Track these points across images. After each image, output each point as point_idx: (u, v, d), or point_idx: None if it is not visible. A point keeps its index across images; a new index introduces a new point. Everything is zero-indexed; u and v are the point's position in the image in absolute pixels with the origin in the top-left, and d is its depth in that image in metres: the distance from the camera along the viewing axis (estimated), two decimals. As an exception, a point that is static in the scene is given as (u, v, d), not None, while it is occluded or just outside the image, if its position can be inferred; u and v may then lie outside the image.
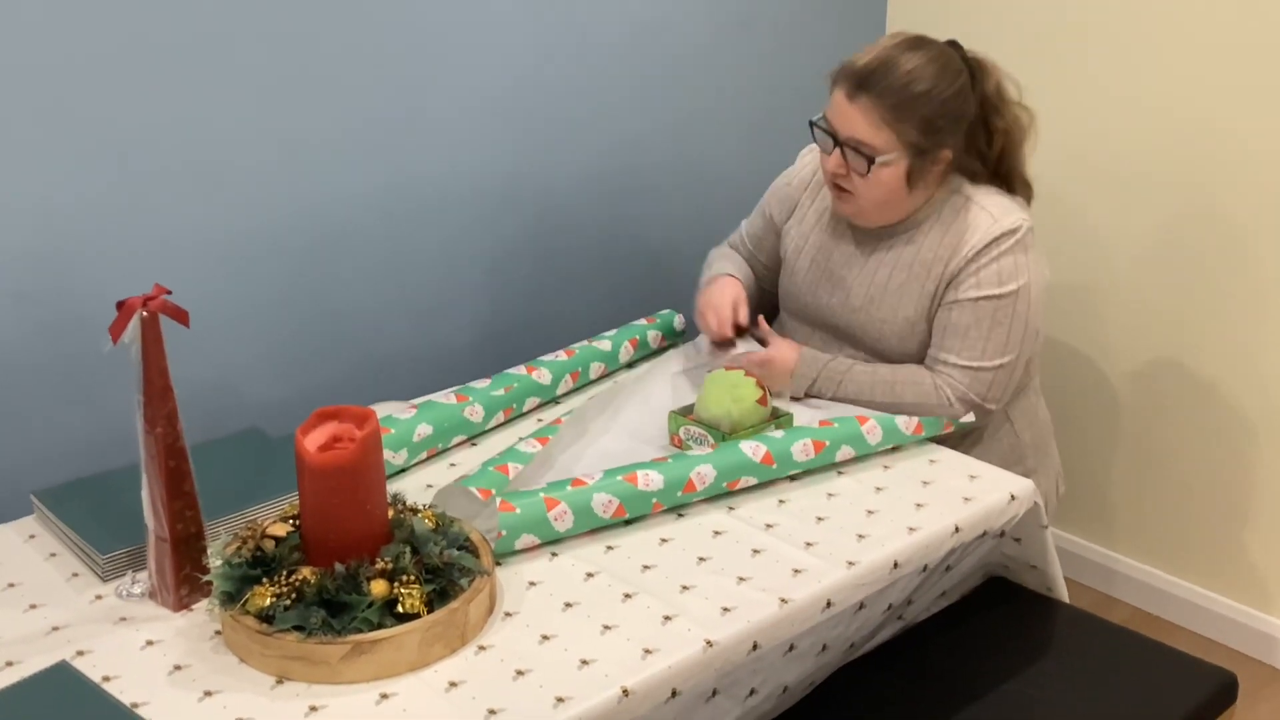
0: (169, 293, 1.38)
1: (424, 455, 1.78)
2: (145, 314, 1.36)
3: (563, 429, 1.78)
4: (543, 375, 1.94)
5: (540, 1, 2.26)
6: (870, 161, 1.84)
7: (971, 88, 1.88)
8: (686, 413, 1.82)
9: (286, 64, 1.98)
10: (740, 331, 2.01)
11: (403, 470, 1.76)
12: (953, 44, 1.91)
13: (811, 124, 1.91)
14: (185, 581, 1.43)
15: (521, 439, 1.75)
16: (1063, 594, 1.86)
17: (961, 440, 1.93)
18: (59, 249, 1.84)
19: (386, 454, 1.62)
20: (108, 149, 1.85)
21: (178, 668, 1.33)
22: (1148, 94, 2.44)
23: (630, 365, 2.10)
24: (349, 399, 2.06)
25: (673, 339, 2.18)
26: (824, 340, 2.04)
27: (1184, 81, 2.38)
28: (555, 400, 1.98)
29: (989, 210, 1.91)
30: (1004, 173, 1.97)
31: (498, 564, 1.51)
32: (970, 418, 1.87)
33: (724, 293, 2.04)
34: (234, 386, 2.09)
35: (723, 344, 2.00)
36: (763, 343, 1.98)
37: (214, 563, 1.39)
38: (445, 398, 1.84)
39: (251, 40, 1.94)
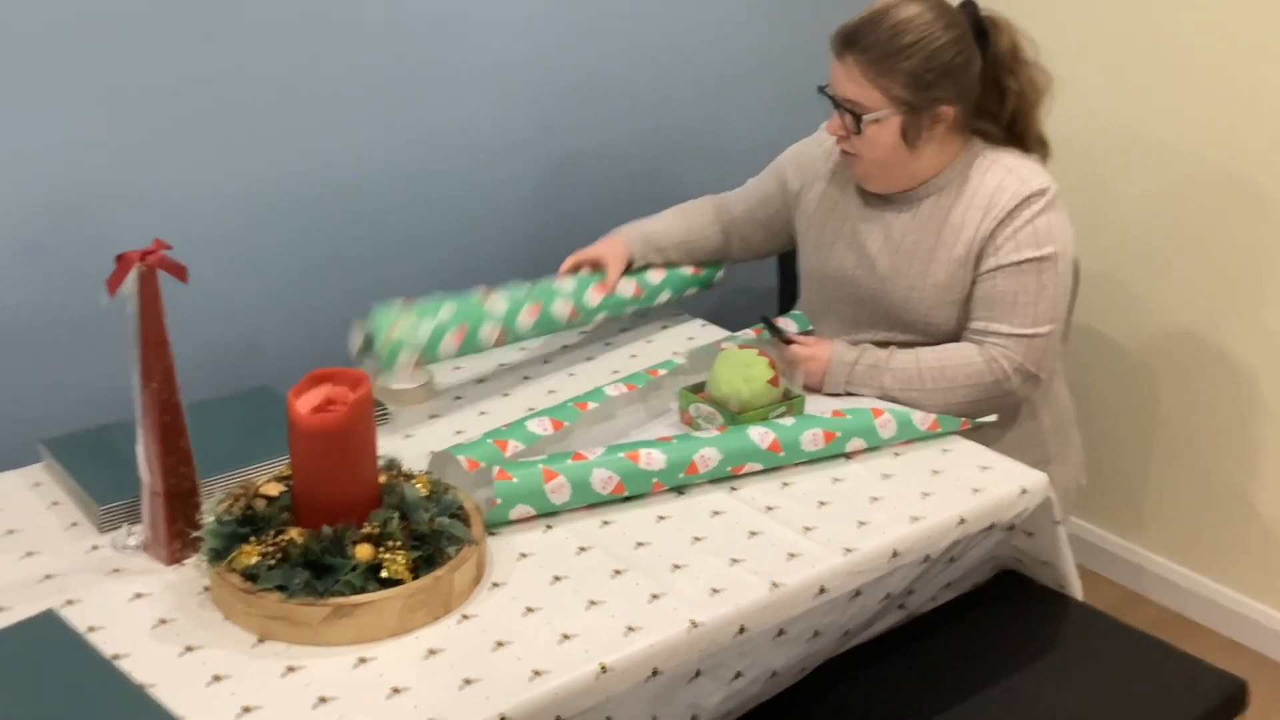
0: (169, 248, 1.38)
1: (450, 340, 1.82)
2: (143, 268, 1.36)
3: (584, 416, 1.74)
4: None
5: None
6: (859, 119, 1.83)
7: (976, 42, 1.84)
8: (698, 390, 1.80)
9: (304, 19, 1.98)
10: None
11: (432, 359, 1.83)
12: (967, 3, 1.86)
13: (820, 89, 1.90)
14: (178, 536, 1.43)
15: (533, 413, 1.72)
16: (1076, 591, 1.82)
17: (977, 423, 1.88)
18: (72, 202, 1.86)
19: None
20: (123, 103, 1.86)
21: (163, 621, 1.34)
22: (1190, 65, 2.36)
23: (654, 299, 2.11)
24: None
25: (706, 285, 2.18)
26: (850, 315, 2.00)
27: (1231, 54, 2.30)
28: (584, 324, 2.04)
29: (1015, 171, 1.87)
30: (1018, 133, 1.93)
31: (491, 533, 1.50)
32: (993, 418, 1.83)
33: (606, 247, 2.07)
34: (255, 344, 2.10)
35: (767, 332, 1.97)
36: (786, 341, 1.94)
37: (207, 519, 1.40)
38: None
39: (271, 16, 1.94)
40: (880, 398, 1.84)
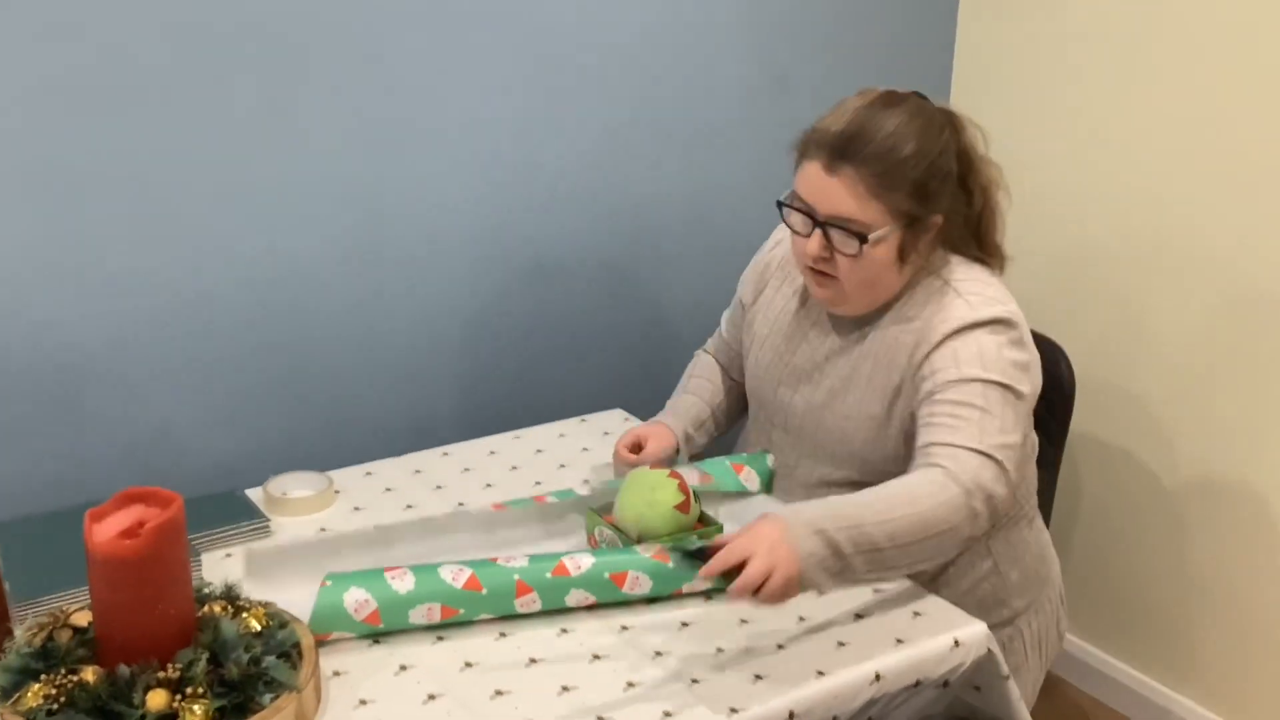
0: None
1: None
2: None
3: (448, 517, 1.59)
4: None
5: (542, 48, 2.12)
6: (862, 240, 1.58)
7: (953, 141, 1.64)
8: (605, 512, 1.63)
9: (251, 103, 1.88)
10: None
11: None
12: (919, 96, 1.66)
13: (780, 204, 1.66)
14: (-20, 666, 1.29)
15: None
16: (1037, 754, 1.59)
17: (926, 575, 1.66)
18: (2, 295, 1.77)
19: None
20: (55, 191, 1.77)
21: (-63, 768, 1.20)
22: (1211, 142, 2.15)
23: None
24: (305, 458, 1.95)
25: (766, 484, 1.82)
26: (785, 444, 1.80)
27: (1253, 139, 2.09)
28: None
29: (965, 298, 1.63)
30: (983, 235, 1.70)
31: (335, 674, 1.34)
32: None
33: (652, 440, 1.80)
34: (184, 442, 1.98)
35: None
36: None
37: (10, 649, 1.26)
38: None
39: (217, 78, 1.84)
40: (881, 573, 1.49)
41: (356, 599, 1.39)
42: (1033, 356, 1.63)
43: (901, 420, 1.65)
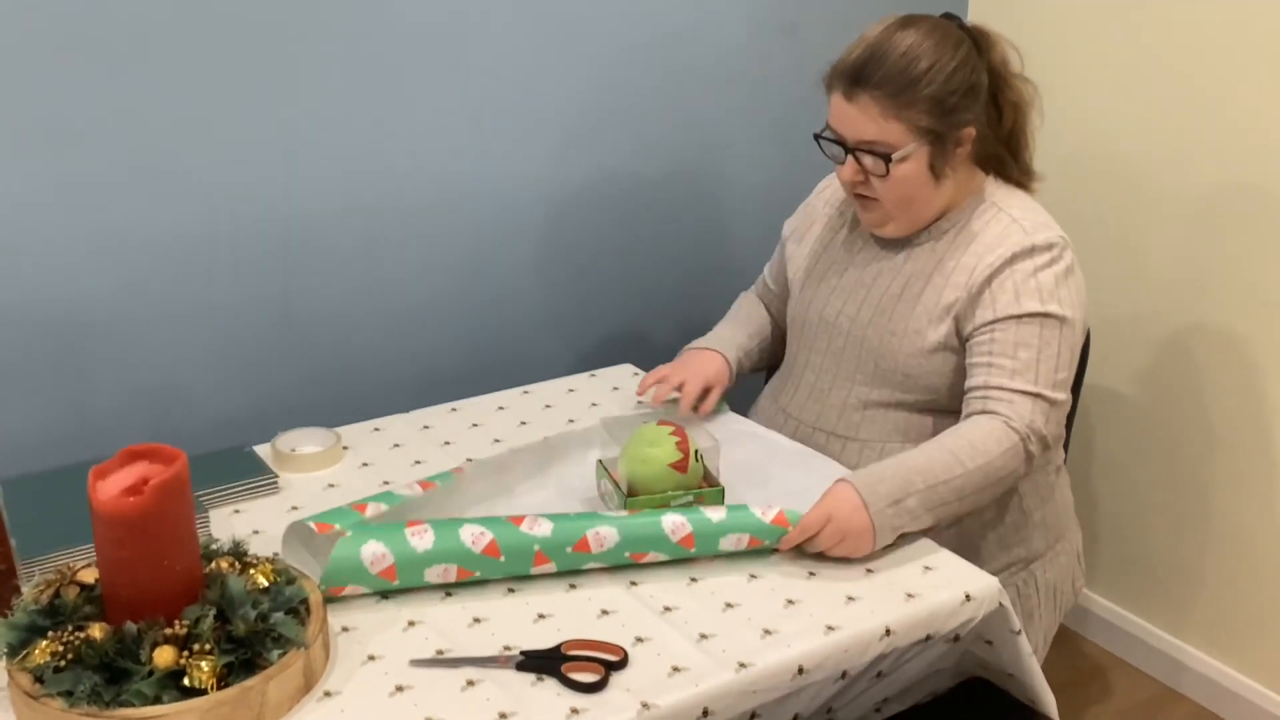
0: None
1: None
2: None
3: (460, 478, 1.59)
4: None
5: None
6: (887, 160, 1.64)
7: (979, 56, 1.66)
8: (613, 465, 1.62)
9: (250, 53, 1.85)
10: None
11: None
12: (949, 16, 1.69)
13: (817, 137, 1.71)
14: (-12, 623, 1.29)
15: (405, 484, 1.56)
16: (1049, 708, 1.58)
17: None
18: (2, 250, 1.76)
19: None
20: (52, 141, 1.75)
21: (-51, 724, 1.20)
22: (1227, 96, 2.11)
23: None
24: (312, 413, 1.94)
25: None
26: (826, 366, 1.81)
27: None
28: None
29: (1020, 222, 1.68)
30: (1014, 151, 1.76)
31: (344, 629, 1.34)
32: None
33: (703, 368, 1.85)
34: (187, 395, 1.97)
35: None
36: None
37: (17, 606, 1.26)
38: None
39: (215, 28, 1.81)
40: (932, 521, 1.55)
41: (374, 552, 1.38)
42: (1082, 283, 1.70)
43: (948, 338, 1.70)
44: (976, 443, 1.58)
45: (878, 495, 1.49)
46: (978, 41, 1.68)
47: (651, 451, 1.53)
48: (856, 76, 1.63)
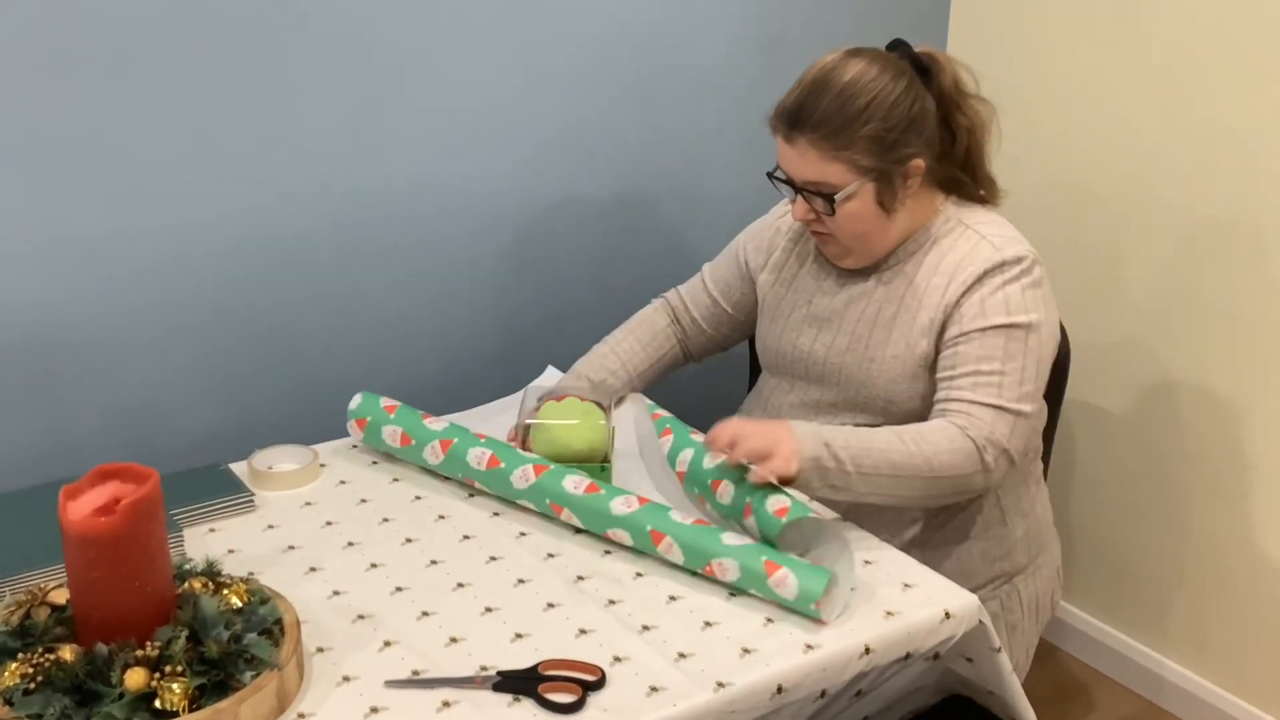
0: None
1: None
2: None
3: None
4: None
5: (535, 10, 2.08)
6: (830, 200, 1.64)
7: (926, 85, 1.66)
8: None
9: (224, 71, 1.84)
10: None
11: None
12: (897, 43, 1.69)
13: (770, 175, 1.71)
14: (-42, 645, 1.28)
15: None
16: (1030, 725, 1.58)
17: (937, 521, 1.71)
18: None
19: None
20: (23, 156, 1.74)
21: (-87, 748, 1.18)
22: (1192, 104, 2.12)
23: None
24: (292, 429, 1.93)
25: None
26: (808, 396, 1.80)
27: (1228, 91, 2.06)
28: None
29: (988, 238, 1.68)
30: (970, 171, 1.74)
31: (318, 650, 1.32)
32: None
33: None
34: (164, 412, 1.96)
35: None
36: None
37: (-11, 627, 1.24)
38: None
39: (190, 40, 1.80)
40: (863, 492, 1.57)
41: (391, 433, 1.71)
42: (1051, 295, 1.70)
43: (926, 358, 1.69)
44: (925, 432, 1.59)
45: (807, 429, 1.56)
46: (927, 68, 1.67)
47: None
48: (794, 119, 1.63)
